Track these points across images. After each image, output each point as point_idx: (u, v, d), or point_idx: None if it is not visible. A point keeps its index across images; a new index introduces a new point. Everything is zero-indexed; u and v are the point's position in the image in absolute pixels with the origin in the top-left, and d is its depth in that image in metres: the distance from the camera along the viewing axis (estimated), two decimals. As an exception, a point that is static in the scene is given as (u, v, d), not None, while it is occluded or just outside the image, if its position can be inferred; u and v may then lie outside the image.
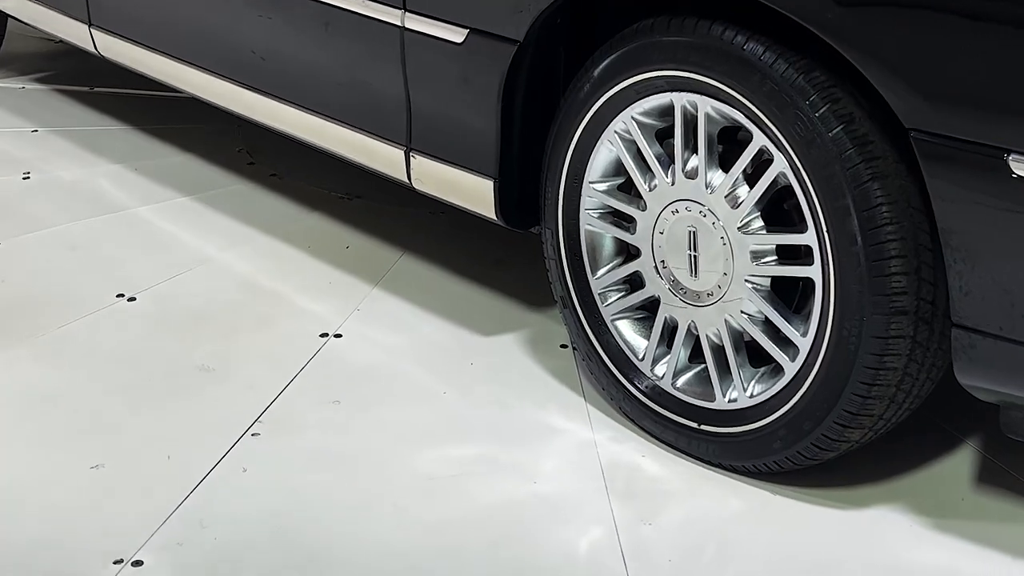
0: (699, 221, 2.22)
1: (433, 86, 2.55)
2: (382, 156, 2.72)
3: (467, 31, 2.43)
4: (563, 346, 2.70)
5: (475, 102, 2.46)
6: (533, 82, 2.44)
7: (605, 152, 2.34)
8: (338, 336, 2.76)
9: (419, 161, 2.63)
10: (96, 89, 4.14)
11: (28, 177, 3.56)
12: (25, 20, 3.86)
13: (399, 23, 2.54)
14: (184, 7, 3.15)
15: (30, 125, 3.93)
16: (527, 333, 2.77)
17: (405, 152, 2.65)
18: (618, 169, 2.35)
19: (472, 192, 2.55)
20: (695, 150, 2.21)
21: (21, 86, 4.28)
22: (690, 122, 2.20)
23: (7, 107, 4.09)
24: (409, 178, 2.68)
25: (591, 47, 2.34)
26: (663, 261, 2.30)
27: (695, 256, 2.25)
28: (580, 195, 2.39)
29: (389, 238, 3.18)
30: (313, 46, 2.78)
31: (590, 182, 2.37)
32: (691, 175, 2.22)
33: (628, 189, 2.36)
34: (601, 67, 2.28)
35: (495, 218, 2.54)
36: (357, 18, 2.63)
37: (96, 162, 3.66)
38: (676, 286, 2.29)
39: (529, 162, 2.50)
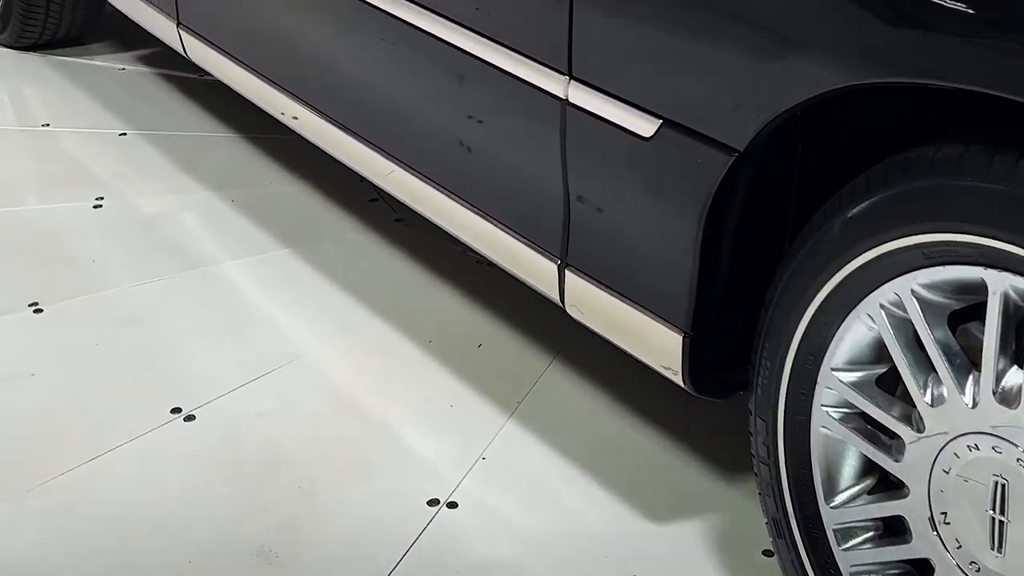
0: (1015, 471, 1.38)
1: (603, 188, 1.75)
2: (530, 265, 1.93)
3: (659, 122, 1.61)
4: (767, 553, 1.90)
5: (664, 223, 1.66)
6: (752, 207, 1.62)
7: (860, 330, 1.51)
8: (452, 506, 1.99)
9: (576, 283, 1.84)
10: (205, 77, 3.42)
11: (100, 205, 2.87)
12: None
13: (560, 94, 1.74)
14: (285, 20, 2.40)
15: (119, 125, 3.24)
16: (717, 521, 1.97)
17: (559, 267, 1.86)
18: (879, 355, 1.52)
19: (650, 341, 1.75)
20: (1020, 361, 1.37)
21: (122, 67, 3.59)
22: (1013, 316, 1.37)
23: (100, 96, 3.40)
24: (562, 300, 1.89)
25: (844, 169, 1.51)
26: (944, 514, 1.47)
27: (1002, 523, 1.41)
28: (815, 382, 1.57)
29: (536, 330, 2.40)
30: (445, 100, 2.00)
31: (833, 368, 1.55)
32: (1009, 397, 1.38)
33: (892, 387, 1.53)
34: (864, 206, 1.45)
35: (681, 383, 1.74)
36: (500, 75, 1.84)
37: (186, 187, 2.95)
38: (965, 558, 1.46)
39: (737, 313, 1.69)
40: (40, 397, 2.22)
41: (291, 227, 2.78)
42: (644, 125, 1.64)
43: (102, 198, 2.89)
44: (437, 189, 2.09)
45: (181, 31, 2.75)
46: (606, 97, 1.68)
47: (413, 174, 2.14)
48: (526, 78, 1.79)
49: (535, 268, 1.92)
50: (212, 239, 2.74)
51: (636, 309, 1.75)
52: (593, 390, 2.25)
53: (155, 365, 2.32)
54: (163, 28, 2.84)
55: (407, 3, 2.02)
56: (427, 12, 1.99)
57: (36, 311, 2.47)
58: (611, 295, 1.79)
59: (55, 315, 2.46)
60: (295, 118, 2.48)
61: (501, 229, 1.96)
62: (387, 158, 2.20)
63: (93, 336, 2.39)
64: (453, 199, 2.05)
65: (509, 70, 1.82)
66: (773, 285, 1.60)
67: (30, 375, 2.27)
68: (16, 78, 3.54)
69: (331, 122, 2.33)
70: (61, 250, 2.68)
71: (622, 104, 1.66)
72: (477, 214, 2.01)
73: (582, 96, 1.73)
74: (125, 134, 3.21)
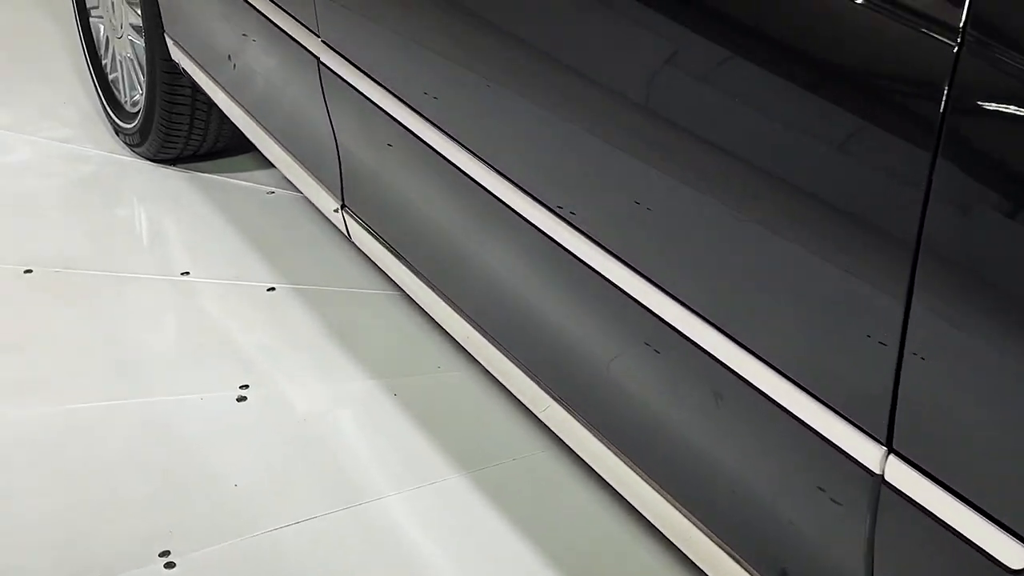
0: None
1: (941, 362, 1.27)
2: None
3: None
4: None
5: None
6: None
7: None
8: None
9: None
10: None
11: (244, 397, 2.47)
12: (257, 145, 2.76)
13: (875, 468, 1.27)
14: (455, 230, 1.96)
15: (267, 275, 2.84)
16: None
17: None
18: None
19: None
20: None
21: (270, 189, 3.19)
22: None
23: (246, 231, 3.01)
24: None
25: None
26: None
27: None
28: None
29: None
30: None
31: None
32: None
33: None
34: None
35: None
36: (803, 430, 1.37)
37: (343, 369, 2.54)
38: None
39: None
40: None
41: (467, 438, 2.35)
42: (1009, 552, 1.17)
43: (246, 386, 2.49)
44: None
45: (344, 214, 2.34)
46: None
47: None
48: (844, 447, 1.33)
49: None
50: (372, 456, 2.32)
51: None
52: None
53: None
54: (326, 205, 2.43)
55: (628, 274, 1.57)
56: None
57: (168, 565, 2.07)
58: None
59: (189, 571, 2.06)
60: (465, 336, 2.06)
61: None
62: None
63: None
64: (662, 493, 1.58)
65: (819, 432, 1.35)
66: None
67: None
68: (155, 203, 3.17)
69: (498, 347, 1.91)
70: (197, 466, 2.29)
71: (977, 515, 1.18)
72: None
73: (903, 477, 1.26)
74: (273, 289, 2.81)
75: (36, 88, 3.68)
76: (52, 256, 2.91)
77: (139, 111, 3.22)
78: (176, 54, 2.93)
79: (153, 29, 3.01)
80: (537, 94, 1.66)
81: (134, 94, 3.29)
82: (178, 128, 3.16)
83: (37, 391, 2.49)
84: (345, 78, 2.13)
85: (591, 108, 1.58)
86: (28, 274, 2.85)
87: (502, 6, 1.72)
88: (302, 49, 2.22)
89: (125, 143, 3.34)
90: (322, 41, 2.17)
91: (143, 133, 3.22)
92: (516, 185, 1.74)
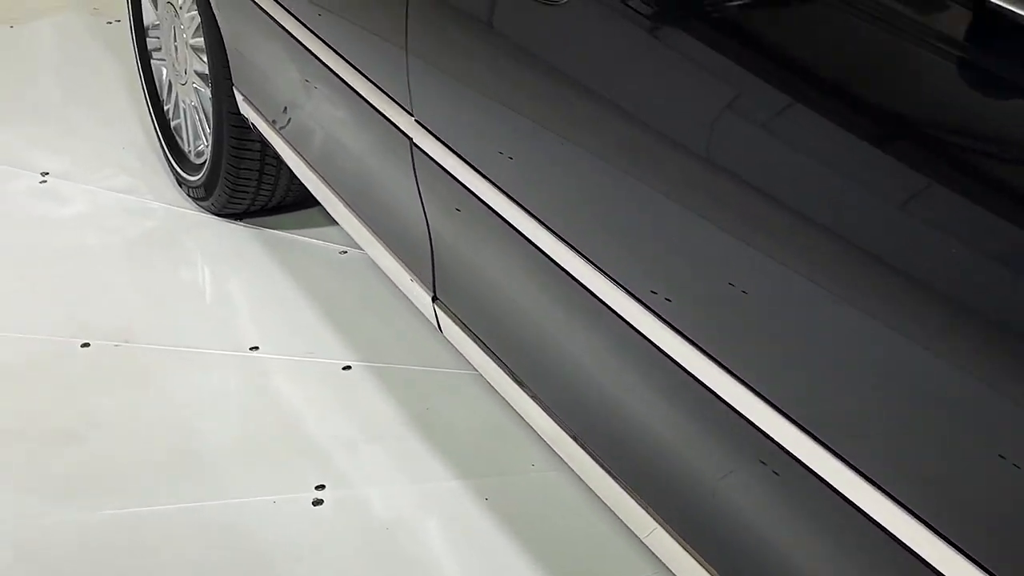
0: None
1: None
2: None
3: None
4: None
5: None
6: None
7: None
8: None
9: None
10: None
11: (321, 500, 2.25)
12: (336, 218, 2.53)
13: None
14: (564, 340, 1.73)
15: (341, 351, 2.62)
16: None
17: None
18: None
19: None
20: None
21: (343, 249, 2.97)
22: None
23: (318, 299, 2.79)
24: None
25: None
26: None
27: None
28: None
29: None
30: None
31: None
32: None
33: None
34: None
35: None
36: None
37: (430, 470, 2.31)
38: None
39: None
40: None
41: (568, 555, 2.12)
42: None
43: (322, 487, 2.27)
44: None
45: (437, 308, 2.11)
46: None
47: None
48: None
49: None
50: (461, 574, 2.10)
51: None
52: None
53: None
54: (417, 296, 2.20)
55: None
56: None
57: None
58: None
59: None
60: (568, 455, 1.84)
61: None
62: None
63: None
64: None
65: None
66: None
67: None
68: (220, 264, 2.95)
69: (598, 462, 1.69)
70: (271, 585, 2.07)
71: None
72: None
73: None
74: (349, 367, 2.58)
75: (93, 131, 3.48)
76: (110, 327, 2.70)
77: (204, 163, 3.01)
78: (245, 109, 2.71)
79: (220, 80, 2.80)
80: (654, 183, 1.45)
81: (199, 144, 3.08)
82: (246, 184, 2.95)
83: (99, 489, 2.28)
84: (442, 163, 1.90)
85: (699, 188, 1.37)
86: (85, 348, 2.64)
87: (624, 98, 1.49)
88: (392, 127, 2.00)
89: (188, 196, 3.13)
90: (416, 121, 1.94)
91: (208, 187, 3.01)
92: (621, 286, 1.54)
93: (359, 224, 2.37)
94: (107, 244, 3.01)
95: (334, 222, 2.97)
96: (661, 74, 1.45)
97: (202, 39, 2.85)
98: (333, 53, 2.15)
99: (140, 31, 3.24)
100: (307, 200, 3.05)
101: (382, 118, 2.02)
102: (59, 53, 4.01)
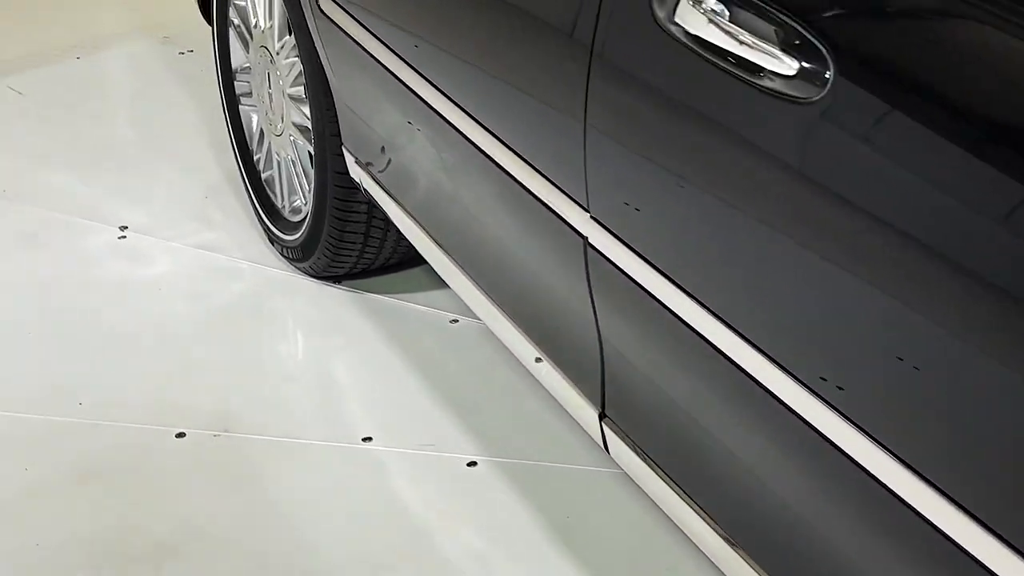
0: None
1: None
2: None
3: None
4: None
5: None
6: None
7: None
8: None
9: None
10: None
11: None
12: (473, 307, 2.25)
13: None
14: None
15: (463, 443, 2.34)
16: None
17: None
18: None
19: None
20: None
21: (454, 318, 2.69)
22: None
23: (429, 371, 2.51)
24: None
25: None
26: None
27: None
28: None
29: None
30: None
31: None
32: None
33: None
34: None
35: None
36: None
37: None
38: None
39: None
40: None
41: None
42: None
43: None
44: None
45: (605, 426, 1.83)
46: None
47: None
48: None
49: None
50: None
51: None
52: None
53: None
54: (581, 414, 1.91)
55: None
56: None
57: None
58: None
59: None
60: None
61: None
62: None
63: None
64: None
65: None
66: None
67: None
68: (322, 337, 2.68)
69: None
70: None
71: None
72: None
73: None
74: (475, 463, 2.31)
75: (172, 177, 3.22)
76: (207, 413, 2.43)
77: (302, 222, 2.73)
78: (356, 172, 2.43)
79: (325, 136, 2.52)
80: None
81: (294, 199, 2.80)
82: (350, 247, 2.67)
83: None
84: (624, 269, 1.61)
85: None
86: (180, 439, 2.37)
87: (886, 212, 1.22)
88: (562, 223, 1.71)
89: (282, 255, 2.86)
90: (592, 218, 1.65)
91: (306, 249, 2.73)
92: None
93: (496, 311, 2.09)
94: (194, 312, 2.74)
95: (439, 285, 2.69)
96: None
97: (303, 89, 2.57)
98: (480, 128, 1.86)
99: (227, 72, 2.97)
100: (410, 260, 2.78)
101: (547, 211, 1.73)
102: (131, 88, 3.75)
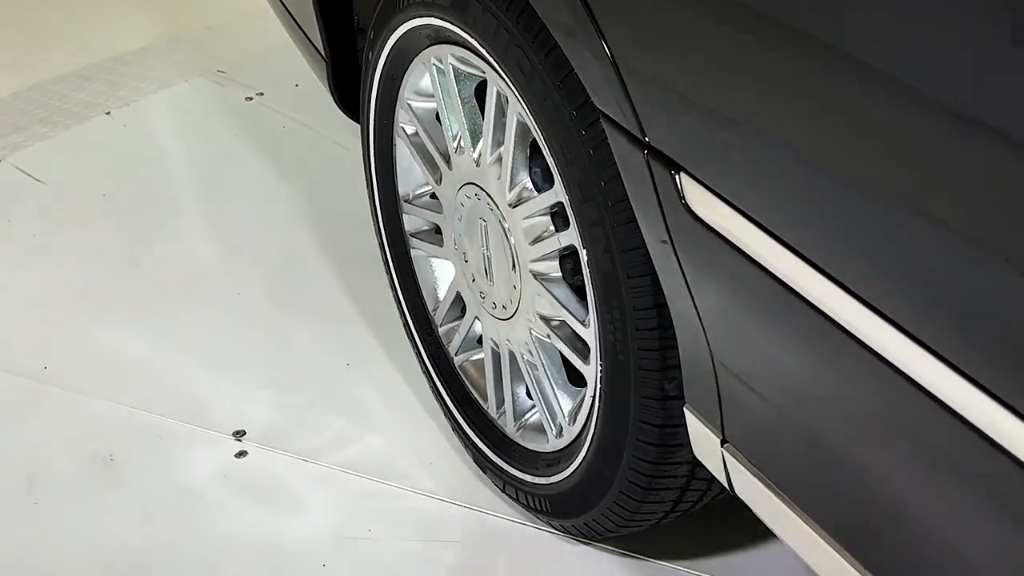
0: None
1: None
2: None
3: None
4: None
5: None
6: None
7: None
8: None
9: None
10: None
11: None
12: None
13: None
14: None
15: None
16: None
17: None
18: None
19: None
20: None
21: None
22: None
23: None
24: None
25: None
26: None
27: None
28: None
29: None
30: None
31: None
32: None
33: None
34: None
35: None
36: None
37: None
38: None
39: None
40: None
41: None
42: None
43: None
44: None
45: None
46: None
47: None
48: None
49: None
50: None
51: None
52: None
53: None
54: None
55: None
56: None
57: None
58: None
59: None
60: None
61: None
62: None
63: None
64: None
65: None
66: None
67: None
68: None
69: None
70: None
71: None
72: None
73: None
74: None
75: (291, 337, 2.18)
76: None
77: (559, 462, 1.71)
78: (711, 453, 1.41)
79: (632, 369, 1.48)
80: None
81: (525, 411, 1.78)
82: (651, 509, 1.65)
83: None
84: None
85: None
86: None
87: None
88: None
89: (516, 500, 1.83)
90: None
91: (570, 503, 1.71)
92: None
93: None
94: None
95: (709, 549, 1.70)
96: None
97: (557, 265, 1.55)
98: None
99: (387, 191, 1.91)
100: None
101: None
102: (192, 166, 2.68)
